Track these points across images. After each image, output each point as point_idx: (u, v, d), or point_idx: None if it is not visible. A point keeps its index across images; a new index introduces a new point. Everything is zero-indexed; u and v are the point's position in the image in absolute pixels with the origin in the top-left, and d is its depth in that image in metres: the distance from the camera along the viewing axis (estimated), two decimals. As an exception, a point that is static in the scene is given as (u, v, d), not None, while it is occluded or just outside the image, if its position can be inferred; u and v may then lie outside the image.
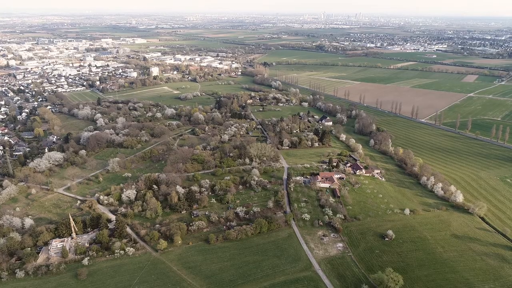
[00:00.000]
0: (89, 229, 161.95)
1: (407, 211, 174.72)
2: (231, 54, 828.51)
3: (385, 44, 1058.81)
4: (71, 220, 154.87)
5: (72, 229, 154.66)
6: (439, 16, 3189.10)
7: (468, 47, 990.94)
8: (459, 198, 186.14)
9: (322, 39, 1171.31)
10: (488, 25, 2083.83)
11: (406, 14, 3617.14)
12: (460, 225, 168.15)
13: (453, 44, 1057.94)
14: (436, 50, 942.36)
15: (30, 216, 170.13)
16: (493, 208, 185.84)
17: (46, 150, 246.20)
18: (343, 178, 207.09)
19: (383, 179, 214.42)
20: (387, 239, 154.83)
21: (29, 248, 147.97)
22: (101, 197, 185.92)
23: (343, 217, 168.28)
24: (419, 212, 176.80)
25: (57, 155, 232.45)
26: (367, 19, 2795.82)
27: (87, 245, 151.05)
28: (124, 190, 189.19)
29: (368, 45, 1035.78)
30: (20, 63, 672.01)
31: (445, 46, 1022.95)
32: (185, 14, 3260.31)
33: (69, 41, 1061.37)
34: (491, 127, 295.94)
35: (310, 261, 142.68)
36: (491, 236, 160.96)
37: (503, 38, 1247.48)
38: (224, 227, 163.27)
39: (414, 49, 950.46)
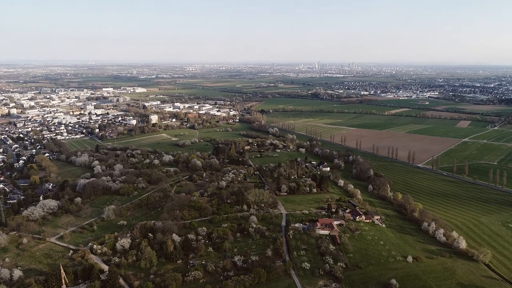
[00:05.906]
0: (80, 280, 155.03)
1: (409, 259, 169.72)
2: (229, 102, 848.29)
3: (378, 92, 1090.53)
4: (62, 271, 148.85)
5: (63, 280, 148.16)
6: (429, 65, 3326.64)
7: (459, 94, 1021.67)
8: (462, 244, 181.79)
9: (317, 87, 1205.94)
10: (477, 73, 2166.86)
11: (397, 63, 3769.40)
12: (465, 273, 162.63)
13: (444, 91, 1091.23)
14: (428, 97, 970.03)
15: (19, 267, 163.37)
16: (497, 254, 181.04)
17: (41, 198, 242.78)
18: (342, 225, 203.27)
19: (384, 225, 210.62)
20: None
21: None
22: (95, 246, 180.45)
23: (344, 266, 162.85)
24: (422, 259, 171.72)
25: (52, 203, 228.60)
26: (360, 68, 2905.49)
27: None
28: (119, 238, 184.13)
29: (362, 92, 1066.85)
30: (21, 111, 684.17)
31: (437, 93, 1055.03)
32: (185, 64, 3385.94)
33: (71, 90, 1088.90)
34: (488, 172, 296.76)
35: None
36: (498, 285, 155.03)
37: (491, 85, 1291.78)
38: (221, 277, 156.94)
39: (407, 96, 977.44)
